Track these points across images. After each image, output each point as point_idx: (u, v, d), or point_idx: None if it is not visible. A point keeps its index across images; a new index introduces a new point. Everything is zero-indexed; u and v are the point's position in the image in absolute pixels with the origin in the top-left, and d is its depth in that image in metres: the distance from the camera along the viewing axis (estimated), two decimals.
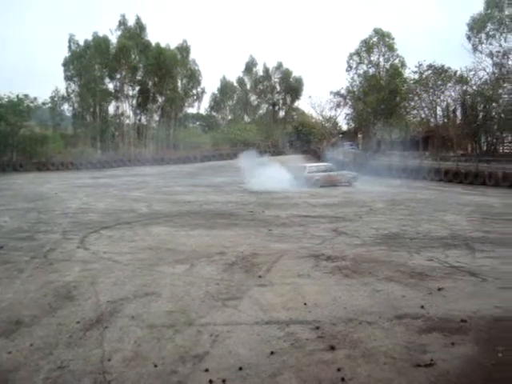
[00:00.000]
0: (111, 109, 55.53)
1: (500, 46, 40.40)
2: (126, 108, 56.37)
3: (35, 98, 44.38)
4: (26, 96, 43.36)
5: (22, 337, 4.87)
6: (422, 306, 5.79)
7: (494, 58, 40.76)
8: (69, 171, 39.21)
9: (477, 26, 41.08)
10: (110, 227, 11.80)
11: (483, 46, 41.39)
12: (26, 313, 5.58)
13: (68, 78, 51.76)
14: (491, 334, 4.98)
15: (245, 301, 6.02)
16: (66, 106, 53.32)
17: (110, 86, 54.60)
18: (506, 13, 39.54)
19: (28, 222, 12.69)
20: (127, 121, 57.03)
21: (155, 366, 4.24)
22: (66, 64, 51.30)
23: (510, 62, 40.44)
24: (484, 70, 41.55)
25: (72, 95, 52.29)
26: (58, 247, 9.34)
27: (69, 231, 11.16)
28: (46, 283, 6.79)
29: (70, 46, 51.68)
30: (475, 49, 41.59)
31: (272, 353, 4.48)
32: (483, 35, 41.12)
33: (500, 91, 40.31)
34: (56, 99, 51.79)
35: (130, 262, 8.14)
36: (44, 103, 47.53)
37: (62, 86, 54.76)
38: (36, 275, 7.24)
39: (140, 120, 58.90)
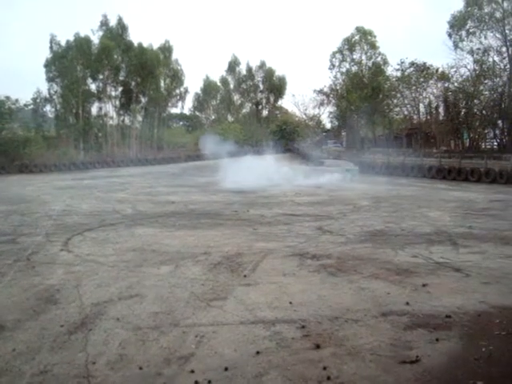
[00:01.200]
0: (94, 110, 54.92)
1: (480, 43, 40.93)
2: (109, 109, 55.86)
3: (17, 100, 43.92)
4: (8, 98, 42.86)
5: (4, 341, 4.80)
6: (407, 303, 5.83)
7: (475, 55, 41.22)
8: (52, 173, 38.80)
9: (457, 24, 41.45)
10: (94, 229, 11.70)
11: (464, 43, 41.86)
12: (9, 317, 5.50)
13: (50, 79, 51.11)
14: (475, 329, 5.02)
15: (230, 301, 6.01)
16: (48, 108, 52.63)
17: (93, 87, 54.01)
18: (486, 10, 40.00)
19: (10, 224, 12.52)
20: (110, 121, 56.42)
21: (140, 368, 4.21)
22: (47, 65, 50.65)
23: (490, 59, 40.93)
24: (465, 66, 42.03)
25: (54, 96, 51.62)
26: (41, 250, 9.23)
27: (52, 234, 11.04)
28: (29, 287, 6.71)
29: (51, 47, 51.03)
30: (456, 46, 42.02)
31: (258, 352, 4.48)
32: (464, 33, 41.55)
33: (481, 88, 40.78)
34: (38, 101, 51.15)
35: (115, 263, 8.08)
36: (26, 105, 47.02)
37: (44, 88, 54.33)
38: (19, 279, 7.15)
39: (123, 120, 58.38)
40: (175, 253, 8.87)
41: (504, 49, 39.68)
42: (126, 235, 10.82)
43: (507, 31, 39.13)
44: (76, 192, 21.74)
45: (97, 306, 5.83)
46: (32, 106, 50.01)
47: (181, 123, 76.05)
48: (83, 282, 6.87)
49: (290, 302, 5.88)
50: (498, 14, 39.44)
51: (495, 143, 43.03)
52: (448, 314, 5.44)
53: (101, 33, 54.14)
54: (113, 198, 19.04)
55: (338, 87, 54.78)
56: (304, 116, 61.83)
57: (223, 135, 45.30)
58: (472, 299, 5.99)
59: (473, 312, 5.54)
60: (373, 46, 51.86)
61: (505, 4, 38.86)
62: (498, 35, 39.88)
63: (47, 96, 51.98)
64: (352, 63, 53.07)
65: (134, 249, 9.27)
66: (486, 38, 40.52)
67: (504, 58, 39.89)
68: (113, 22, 55.33)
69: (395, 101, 48.29)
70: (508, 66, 39.49)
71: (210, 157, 32.57)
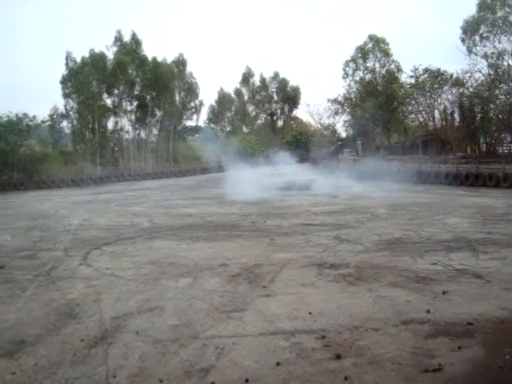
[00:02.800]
0: (110, 124, 55.53)
1: (494, 47, 40.58)
2: (125, 123, 56.43)
3: (34, 117, 44.46)
4: (25, 115, 43.42)
5: (25, 356, 4.85)
6: (428, 311, 5.77)
7: (489, 60, 40.90)
8: (69, 188, 39.21)
9: (470, 29, 41.21)
10: (112, 243, 11.78)
11: (477, 48, 41.54)
12: (30, 332, 5.56)
13: (66, 96, 51.73)
14: (498, 336, 4.95)
15: (249, 312, 6.00)
16: (65, 123, 53.19)
17: (109, 102, 54.63)
18: (499, 15, 39.75)
19: (30, 240, 12.66)
20: (126, 136, 57.01)
21: (160, 381, 4.22)
22: (63, 81, 51.29)
23: (504, 63, 40.57)
24: (480, 71, 41.70)
25: (71, 112, 52.19)
26: (61, 264, 9.31)
27: (71, 248, 11.13)
28: (49, 301, 6.77)
29: (67, 64, 51.70)
30: (470, 51, 41.73)
31: (278, 364, 4.46)
32: (477, 37, 41.26)
33: (496, 92, 40.39)
34: (55, 117, 51.75)
35: (133, 277, 8.12)
36: (43, 121, 47.56)
37: (60, 104, 54.91)
38: (39, 293, 7.22)
39: (139, 134, 58.90)
40: (193, 265, 8.88)
41: None
42: (143, 248, 10.87)
43: None
44: (93, 206, 21.92)
45: (116, 320, 5.86)
46: (49, 123, 50.56)
47: (196, 135, 76.53)
48: (102, 296, 6.91)
49: (310, 312, 5.85)
50: (511, 18, 39.15)
51: None
52: (470, 321, 5.37)
53: (115, 48, 54.84)
54: (130, 211, 19.15)
55: (352, 96, 54.68)
56: (319, 125, 61.81)
57: (238, 147, 45.54)
58: (493, 306, 5.91)
59: (495, 319, 5.46)
60: (386, 53, 51.72)
61: None
62: (511, 39, 39.58)
63: (64, 112, 52.60)
64: (365, 71, 52.95)
65: (152, 262, 9.31)
66: (499, 42, 40.21)
67: None
68: (127, 38, 56.07)
69: (410, 108, 48.07)
70: None
71: (225, 169, 32.67)
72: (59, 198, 28.56)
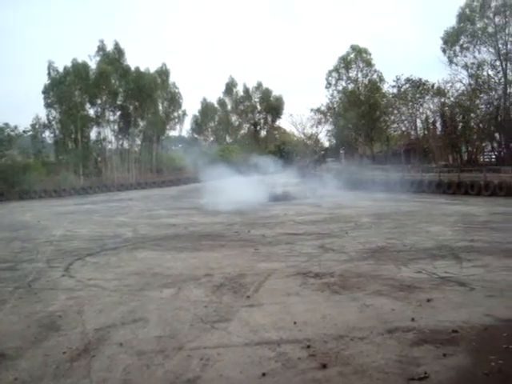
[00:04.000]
0: (93, 134, 55.15)
1: (474, 57, 41.21)
2: (108, 133, 56.10)
3: (16, 127, 44.21)
4: (7, 125, 43.19)
5: (5, 370, 4.75)
6: (413, 319, 5.78)
7: (470, 70, 41.52)
8: (52, 199, 38.81)
9: (451, 40, 41.80)
10: (95, 254, 11.66)
11: (458, 58, 42.12)
12: (10, 345, 5.46)
13: (48, 105, 51.35)
14: (482, 343, 4.97)
15: (234, 322, 5.96)
16: (47, 134, 52.84)
17: (91, 112, 54.29)
18: (478, 26, 40.43)
19: (11, 251, 12.49)
20: (109, 146, 56.74)
21: None
22: (46, 91, 50.92)
23: (484, 73, 41.23)
24: (460, 81, 42.29)
25: (53, 122, 51.79)
26: (43, 276, 9.19)
27: (53, 259, 11.00)
28: (31, 313, 6.67)
29: (49, 73, 51.35)
30: (451, 61, 42.29)
31: (263, 374, 4.43)
32: (457, 48, 41.84)
33: (477, 102, 40.99)
34: (37, 127, 51.34)
35: (117, 288, 8.03)
36: (25, 131, 47.26)
37: (42, 114, 54.58)
38: (20, 306, 7.11)
39: (122, 144, 58.64)
40: (177, 275, 8.82)
41: (498, 63, 39.97)
42: (127, 259, 10.78)
43: (500, 45, 39.46)
44: (76, 217, 21.71)
45: (100, 332, 5.78)
46: (31, 133, 50.27)
47: (179, 146, 76.30)
48: (85, 308, 6.83)
49: (295, 322, 5.83)
50: (490, 29, 39.82)
51: (493, 156, 43.11)
52: (454, 328, 5.39)
53: (98, 58, 54.61)
54: (113, 222, 19.01)
55: (335, 105, 54.96)
56: (302, 135, 62.11)
57: (222, 156, 45.56)
58: (478, 313, 5.94)
59: (479, 326, 5.49)
60: (368, 63, 52.16)
61: (496, 19, 39.26)
62: (491, 49, 40.22)
63: (46, 122, 52.21)
64: (348, 81, 53.30)
65: (136, 272, 9.23)
66: (479, 52, 40.88)
67: (498, 72, 40.16)
68: (110, 47, 55.84)
69: (392, 117, 48.53)
70: (502, 79, 39.74)
71: (209, 178, 32.60)
72: (41, 208, 28.26)
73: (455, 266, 8.88)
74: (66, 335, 5.72)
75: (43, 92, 51.33)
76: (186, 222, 18.03)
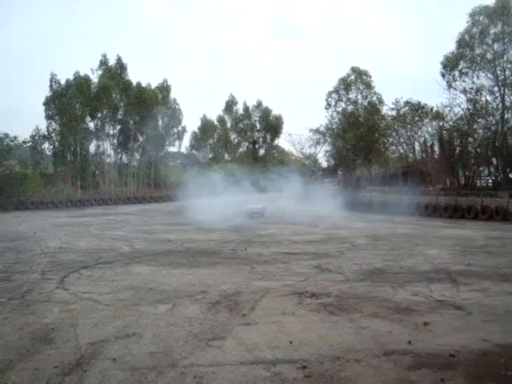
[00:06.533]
0: (92, 148, 55.25)
1: (473, 83, 41.48)
2: (107, 147, 56.28)
3: (15, 137, 44.08)
4: (6, 135, 43.08)
5: None
6: (409, 342, 5.73)
7: (468, 95, 41.74)
8: (49, 210, 38.66)
9: (450, 64, 42.14)
10: (91, 267, 11.58)
11: (457, 83, 42.38)
12: (1, 357, 5.38)
13: (49, 117, 51.45)
14: (480, 369, 4.92)
15: (229, 340, 5.90)
16: (46, 145, 52.85)
17: (91, 125, 54.41)
18: (477, 52, 40.85)
19: (5, 262, 12.38)
20: (108, 159, 56.81)
21: None
22: (47, 103, 51.03)
23: (482, 99, 41.50)
24: (459, 106, 42.49)
25: (53, 134, 51.83)
26: (37, 288, 9.11)
27: (48, 271, 10.91)
28: (23, 326, 6.59)
29: (51, 86, 51.58)
30: (450, 86, 42.55)
31: None
32: (456, 73, 42.15)
33: (475, 126, 41.22)
34: (36, 138, 51.34)
35: (111, 302, 7.96)
36: (24, 142, 47.15)
37: (42, 125, 54.65)
38: (12, 317, 7.03)
39: (121, 159, 58.76)
40: (172, 291, 8.75)
41: (496, 88, 40.28)
42: (122, 273, 10.71)
43: (498, 72, 39.80)
44: (73, 229, 21.61)
45: (93, 346, 5.71)
46: (30, 144, 50.22)
47: (178, 161, 76.44)
48: (79, 321, 6.75)
49: (291, 342, 5.77)
50: (489, 55, 40.22)
51: (490, 181, 43.24)
52: (452, 353, 5.35)
53: (100, 72, 54.96)
54: (109, 235, 18.92)
55: (334, 126, 55.10)
56: (300, 155, 62.18)
57: (220, 174, 45.63)
58: (475, 338, 5.90)
59: (477, 351, 5.44)
60: (368, 85, 52.48)
61: (495, 46, 39.70)
62: (489, 75, 40.55)
63: (46, 134, 52.27)
64: (348, 103, 53.54)
65: (131, 287, 9.16)
66: (478, 78, 41.19)
67: (496, 98, 40.45)
68: (112, 62, 56.29)
69: (391, 139, 48.67)
70: (500, 105, 40.02)
71: (206, 195, 32.56)
72: (38, 219, 28.13)
73: (452, 289, 8.85)
74: (59, 348, 5.65)
75: (44, 104, 51.47)
76: (182, 237, 17.95)
